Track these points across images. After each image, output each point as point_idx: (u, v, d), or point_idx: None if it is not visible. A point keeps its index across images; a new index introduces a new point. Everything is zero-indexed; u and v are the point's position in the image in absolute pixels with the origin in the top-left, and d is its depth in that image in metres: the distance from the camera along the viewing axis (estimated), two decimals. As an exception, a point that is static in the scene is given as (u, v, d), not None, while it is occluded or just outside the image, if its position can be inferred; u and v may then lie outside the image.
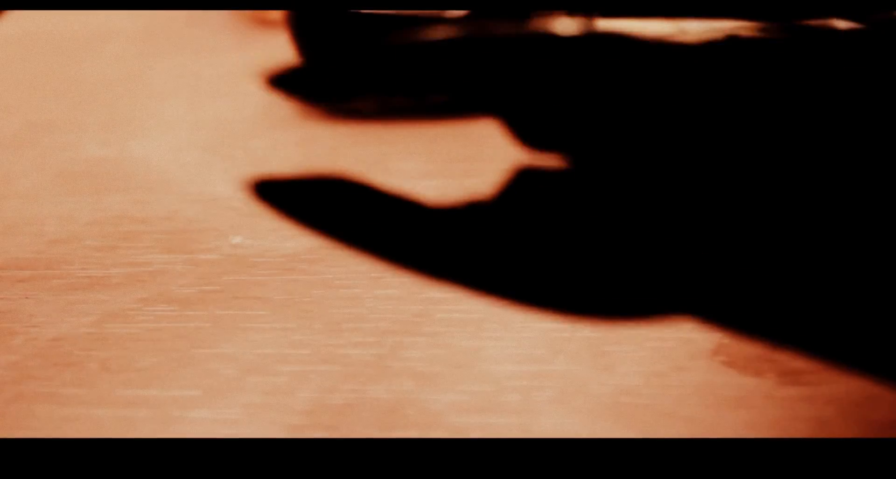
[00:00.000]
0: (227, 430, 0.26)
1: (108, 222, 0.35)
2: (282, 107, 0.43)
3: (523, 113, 0.20)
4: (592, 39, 0.20)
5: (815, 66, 0.20)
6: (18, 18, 0.55)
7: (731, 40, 0.21)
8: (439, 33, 0.19)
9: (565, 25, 0.19)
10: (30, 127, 0.43)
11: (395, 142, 0.39)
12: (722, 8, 0.41)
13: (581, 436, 0.25)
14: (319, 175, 0.21)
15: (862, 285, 0.18)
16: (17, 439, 0.26)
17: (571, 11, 0.37)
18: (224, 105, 0.43)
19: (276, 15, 0.52)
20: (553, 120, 0.20)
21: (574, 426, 0.25)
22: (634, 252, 0.19)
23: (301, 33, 0.40)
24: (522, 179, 0.20)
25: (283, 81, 0.21)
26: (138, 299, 0.31)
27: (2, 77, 0.48)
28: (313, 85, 0.21)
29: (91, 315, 0.30)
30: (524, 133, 0.20)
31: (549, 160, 0.20)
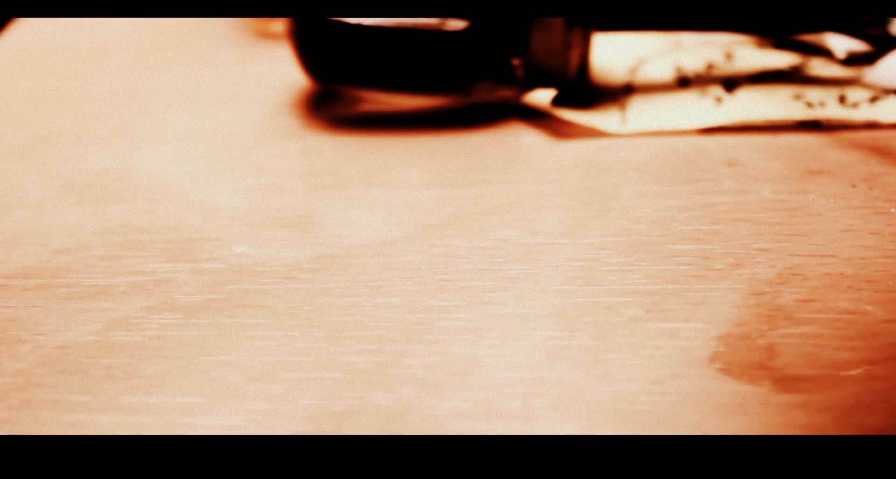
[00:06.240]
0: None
1: (112, 232, 0.35)
2: (284, 117, 0.43)
3: None
4: None
5: None
6: (26, 29, 0.55)
7: None
8: None
9: None
10: (36, 138, 0.43)
11: (395, 152, 0.39)
12: (718, 22, 0.41)
13: (578, 433, 0.25)
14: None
15: None
16: (23, 436, 0.26)
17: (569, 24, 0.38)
18: (227, 116, 0.44)
19: (278, 27, 0.53)
20: None
21: (572, 432, 0.25)
22: None
23: (302, 46, 0.40)
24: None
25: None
26: (143, 307, 0.31)
27: (9, 89, 0.49)
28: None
29: (96, 323, 0.31)
30: None
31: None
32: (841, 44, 0.44)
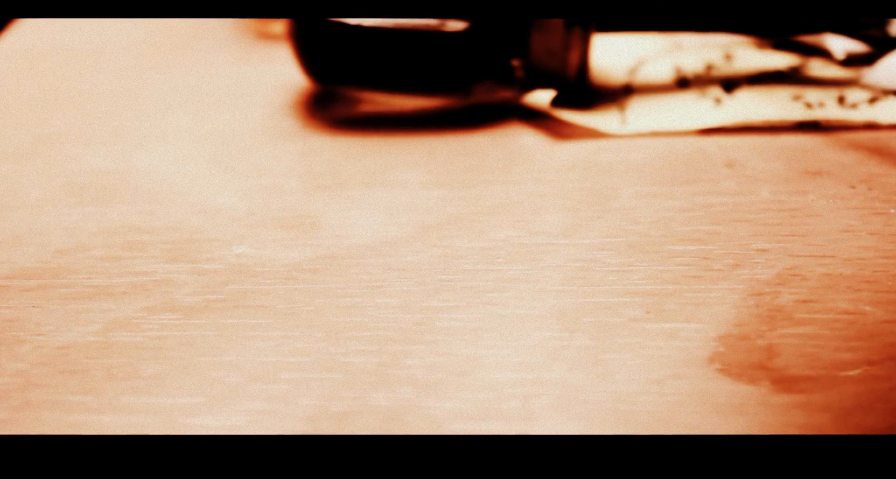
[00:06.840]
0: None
1: (113, 232, 0.36)
2: (284, 118, 0.43)
3: None
4: None
5: None
6: (26, 29, 0.55)
7: None
8: None
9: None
10: (36, 139, 0.43)
11: (395, 153, 0.39)
12: (717, 23, 0.41)
13: (578, 433, 0.25)
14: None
15: None
16: (23, 436, 0.26)
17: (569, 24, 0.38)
18: (227, 117, 0.44)
19: (278, 28, 0.53)
20: None
21: (572, 433, 0.26)
22: None
23: (302, 46, 0.40)
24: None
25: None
26: (143, 307, 0.31)
27: (10, 90, 0.49)
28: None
29: (97, 324, 0.31)
30: None
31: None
32: (840, 45, 0.44)
